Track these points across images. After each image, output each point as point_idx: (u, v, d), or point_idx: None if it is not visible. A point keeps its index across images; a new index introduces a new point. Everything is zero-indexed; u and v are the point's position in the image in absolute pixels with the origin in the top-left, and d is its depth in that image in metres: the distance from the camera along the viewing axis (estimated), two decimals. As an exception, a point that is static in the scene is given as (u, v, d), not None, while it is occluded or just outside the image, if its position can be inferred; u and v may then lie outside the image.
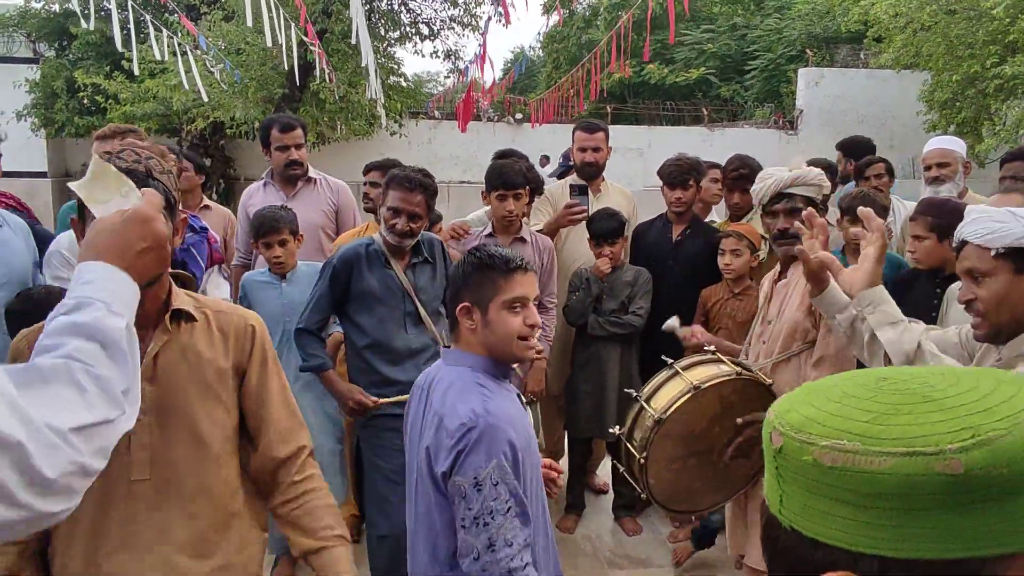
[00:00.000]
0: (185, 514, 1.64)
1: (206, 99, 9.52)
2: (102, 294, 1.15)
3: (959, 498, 0.56)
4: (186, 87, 8.24)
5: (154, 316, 1.63)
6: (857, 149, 5.09)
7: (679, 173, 3.92)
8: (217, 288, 3.65)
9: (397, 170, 3.09)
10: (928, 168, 3.98)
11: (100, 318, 1.11)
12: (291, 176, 3.92)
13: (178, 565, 1.63)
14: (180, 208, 1.70)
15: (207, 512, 1.67)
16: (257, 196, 3.98)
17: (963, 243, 1.75)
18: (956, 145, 4.09)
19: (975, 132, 11.54)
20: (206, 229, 3.41)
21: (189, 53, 8.09)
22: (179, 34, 9.12)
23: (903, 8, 11.53)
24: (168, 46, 8.09)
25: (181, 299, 1.69)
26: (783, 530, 0.65)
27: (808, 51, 17.85)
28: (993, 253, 1.67)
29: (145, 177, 1.54)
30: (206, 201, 4.17)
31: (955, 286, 2.87)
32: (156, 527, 1.61)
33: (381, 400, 2.98)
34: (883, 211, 3.68)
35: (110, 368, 1.09)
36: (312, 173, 3.99)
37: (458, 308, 1.93)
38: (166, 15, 11.30)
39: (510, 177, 3.57)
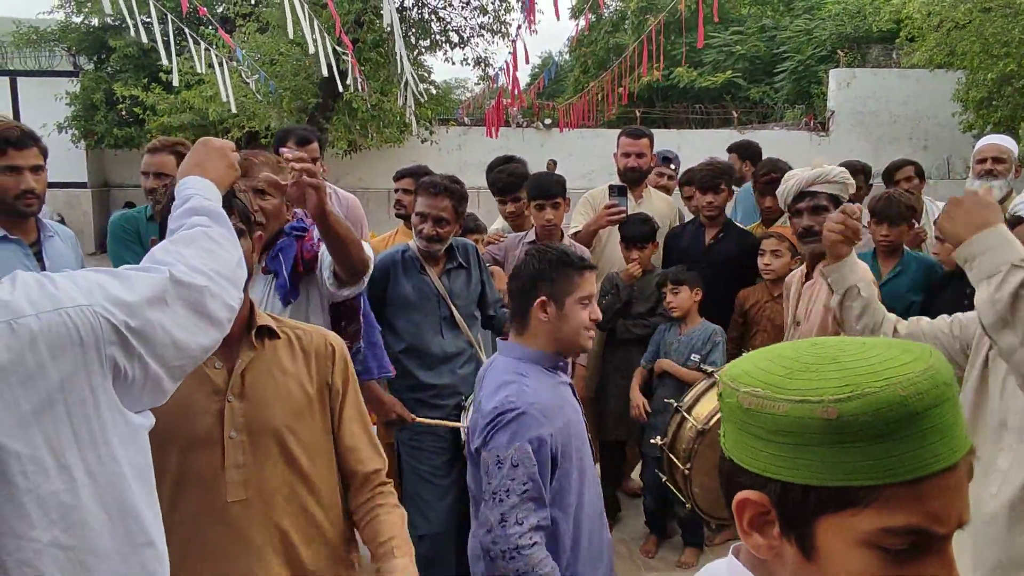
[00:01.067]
0: (279, 534, 1.64)
1: (234, 110, 9.71)
2: (199, 191, 1.50)
3: (835, 437, 0.70)
4: (224, 98, 8.41)
5: (238, 334, 1.63)
6: (750, 151, 5.21)
7: (711, 177, 3.94)
8: None
9: (426, 177, 3.16)
10: (983, 161, 3.93)
11: (201, 202, 1.47)
12: None
13: None
14: (259, 224, 1.75)
15: (303, 532, 1.67)
16: None
17: (1018, 219, 1.76)
18: (1012, 144, 4.05)
19: (1012, 131, 11.35)
20: (301, 230, 2.96)
21: (224, 64, 8.27)
22: (216, 46, 9.32)
23: (936, 7, 11.39)
24: (205, 58, 8.27)
25: (263, 316, 1.71)
26: (724, 459, 0.82)
27: (839, 52, 17.66)
28: None
29: (229, 195, 1.59)
30: None
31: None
32: (253, 549, 1.61)
33: (421, 419, 3.04)
34: (910, 212, 3.65)
35: (221, 227, 1.46)
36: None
37: (537, 302, 2.01)
38: (202, 27, 11.54)
39: (547, 187, 3.65)
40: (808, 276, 2.82)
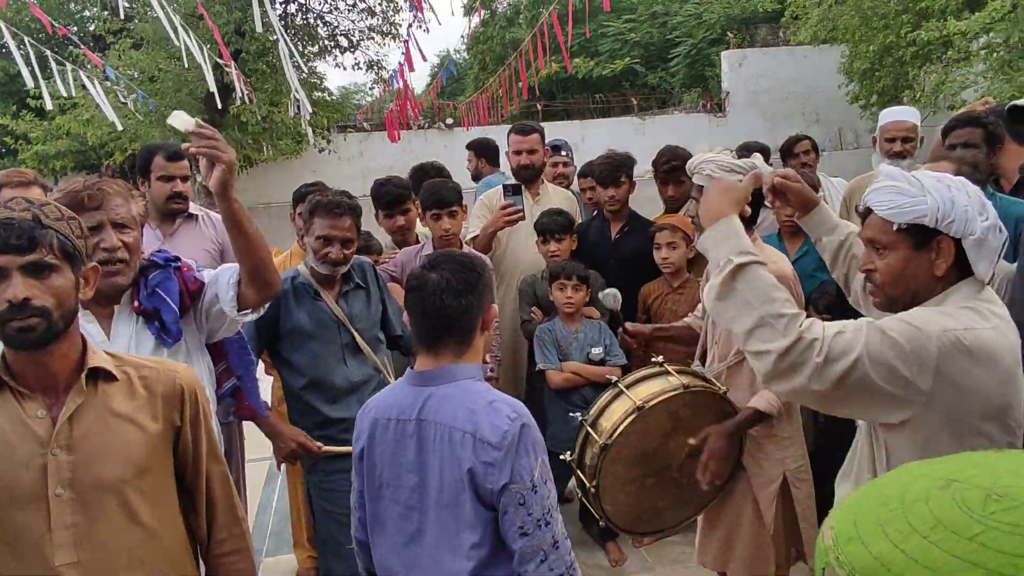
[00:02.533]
0: None
1: (120, 128, 9.13)
2: None
3: None
4: (99, 120, 7.87)
5: (65, 377, 1.51)
6: (487, 149, 5.34)
7: (610, 171, 3.83)
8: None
9: (319, 196, 2.91)
10: (891, 141, 3.90)
11: None
12: (172, 211, 3.44)
13: None
14: (87, 256, 1.56)
15: None
16: None
17: (868, 211, 1.68)
18: (915, 117, 4.01)
19: (896, 100, 11.80)
20: (175, 260, 2.71)
21: (97, 85, 7.73)
22: (87, 67, 8.72)
23: (816, -17, 11.75)
24: (75, 80, 7.72)
25: (99, 357, 1.56)
26: None
27: (729, 33, 18.09)
28: (895, 227, 1.62)
29: (32, 227, 1.41)
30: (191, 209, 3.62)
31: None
32: None
33: (327, 449, 2.80)
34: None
35: None
36: (193, 209, 3.56)
37: (486, 315, 1.86)
38: (71, 48, 10.82)
39: (442, 195, 3.45)
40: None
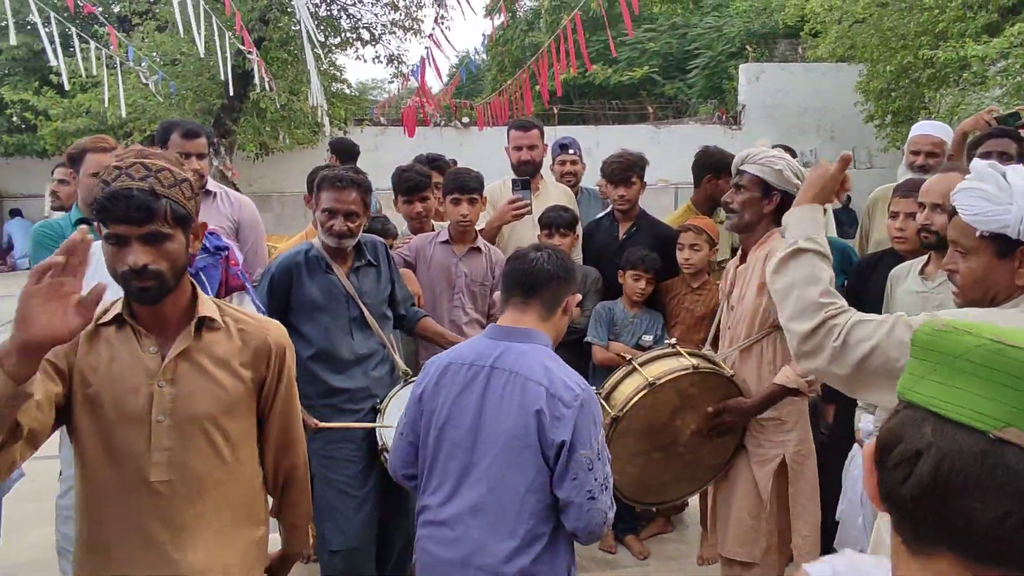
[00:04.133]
0: (200, 517, 1.73)
1: (123, 114, 9.24)
2: None
3: None
4: (118, 101, 7.97)
5: (176, 321, 1.72)
6: (345, 150, 5.66)
7: (621, 170, 3.88)
8: None
9: (326, 170, 3.00)
10: (916, 154, 3.87)
11: None
12: None
13: (184, 564, 1.70)
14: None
15: (220, 515, 1.76)
16: None
17: (955, 211, 1.71)
18: (946, 134, 3.93)
19: (910, 120, 11.83)
20: (225, 249, 2.94)
21: (119, 65, 7.83)
22: (110, 46, 8.83)
23: (837, 1, 11.77)
24: (98, 59, 7.83)
25: (207, 307, 1.76)
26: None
27: (748, 47, 18.12)
28: (978, 234, 1.63)
29: (149, 200, 1.57)
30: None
31: (898, 268, 2.88)
32: (172, 527, 1.70)
33: (324, 425, 2.88)
34: None
35: None
36: (211, 186, 3.64)
37: (571, 297, 2.06)
38: (96, 27, 10.94)
39: (464, 181, 3.53)
40: (743, 260, 2.79)
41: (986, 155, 3.17)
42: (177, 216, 1.62)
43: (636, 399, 2.51)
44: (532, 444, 1.85)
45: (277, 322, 1.95)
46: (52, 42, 6.73)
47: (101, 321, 1.72)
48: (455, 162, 4.75)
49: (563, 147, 4.74)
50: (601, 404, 2.57)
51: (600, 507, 1.86)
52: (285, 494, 1.98)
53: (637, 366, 2.63)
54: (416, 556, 2.09)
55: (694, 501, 3.71)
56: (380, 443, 2.91)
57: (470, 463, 1.92)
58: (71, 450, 1.75)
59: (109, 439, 1.69)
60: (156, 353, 1.71)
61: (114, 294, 1.67)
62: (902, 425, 0.75)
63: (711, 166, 3.94)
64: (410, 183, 3.73)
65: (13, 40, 6.08)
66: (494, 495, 1.89)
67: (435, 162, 4.55)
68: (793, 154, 4.69)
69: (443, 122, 16.69)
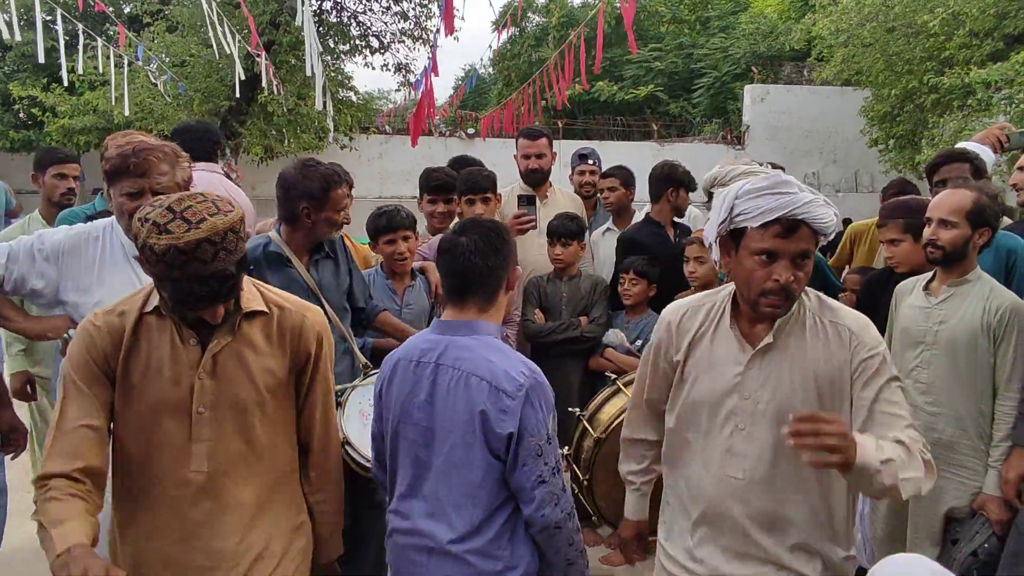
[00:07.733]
0: (236, 502, 1.75)
1: (127, 113, 9.26)
2: None
3: None
4: (128, 99, 7.98)
5: (216, 311, 1.69)
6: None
7: (657, 186, 4.04)
8: None
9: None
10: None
11: None
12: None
13: (221, 552, 1.73)
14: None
15: (258, 500, 1.78)
16: None
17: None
18: (986, 156, 3.44)
19: (913, 145, 11.87)
20: None
21: (126, 64, 7.86)
22: (118, 45, 8.86)
23: (844, 25, 11.83)
24: (106, 57, 7.85)
25: (252, 300, 1.77)
26: None
27: (753, 69, 18.22)
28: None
29: (223, 280, 1.61)
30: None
31: (904, 283, 2.89)
32: (206, 516, 1.72)
33: None
34: None
35: None
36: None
37: (511, 275, 2.02)
38: (107, 25, 10.99)
39: (477, 181, 3.62)
40: None
41: (942, 182, 3.10)
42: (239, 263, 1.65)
43: (619, 421, 2.44)
44: (479, 441, 1.85)
45: (315, 307, 1.95)
46: (57, 40, 6.76)
47: (146, 310, 1.73)
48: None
49: (582, 157, 4.75)
50: (585, 426, 2.56)
51: (551, 490, 1.85)
52: (314, 485, 1.96)
53: (621, 386, 2.58)
54: (387, 551, 2.08)
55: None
56: (342, 435, 2.87)
57: (427, 460, 1.93)
58: None
59: (150, 430, 1.70)
60: (196, 344, 1.71)
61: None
62: None
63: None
64: (436, 182, 3.82)
65: (18, 36, 6.08)
66: (449, 490, 1.89)
67: (465, 166, 4.55)
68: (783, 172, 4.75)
69: (448, 132, 16.74)
